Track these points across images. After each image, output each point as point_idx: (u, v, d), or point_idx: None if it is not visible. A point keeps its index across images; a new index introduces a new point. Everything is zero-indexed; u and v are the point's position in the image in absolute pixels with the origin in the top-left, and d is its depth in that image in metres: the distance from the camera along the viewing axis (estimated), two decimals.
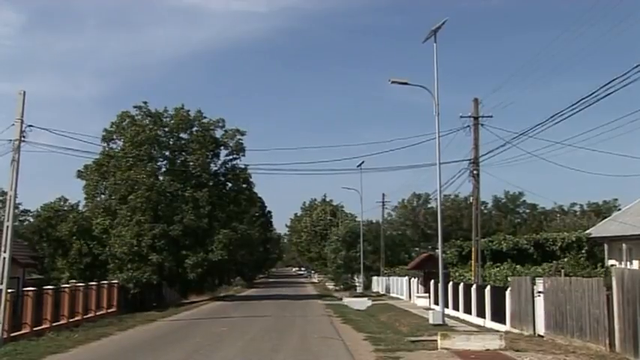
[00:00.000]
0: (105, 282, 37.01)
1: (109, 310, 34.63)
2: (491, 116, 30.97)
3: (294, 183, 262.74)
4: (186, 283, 49.46)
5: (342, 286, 64.97)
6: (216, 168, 52.03)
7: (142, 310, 38.93)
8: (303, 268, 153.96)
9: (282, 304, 44.86)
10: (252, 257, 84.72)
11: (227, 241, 47.83)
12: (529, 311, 20.56)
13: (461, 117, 31.49)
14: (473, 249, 32.26)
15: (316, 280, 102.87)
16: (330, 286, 73.46)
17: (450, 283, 31.65)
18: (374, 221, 74.11)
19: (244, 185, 52.99)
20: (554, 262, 33.30)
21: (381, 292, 56.49)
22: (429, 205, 73.86)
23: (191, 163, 49.37)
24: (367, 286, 62.10)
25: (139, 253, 45.51)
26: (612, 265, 29.52)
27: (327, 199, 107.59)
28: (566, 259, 32.74)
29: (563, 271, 26.80)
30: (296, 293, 61.90)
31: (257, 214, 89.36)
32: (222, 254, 47.37)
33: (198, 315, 35.28)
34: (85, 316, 30.20)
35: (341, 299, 48.37)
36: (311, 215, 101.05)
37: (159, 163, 50.43)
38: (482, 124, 31.21)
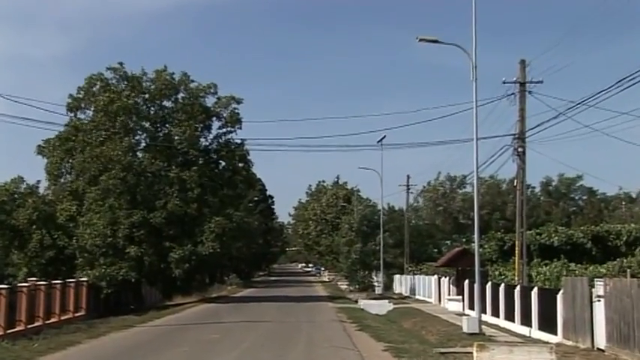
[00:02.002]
0: (72, 280, 37.23)
1: (77, 314, 34.95)
2: (541, 81, 30.95)
3: (301, 162, 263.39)
4: (170, 281, 49.62)
5: (357, 286, 65.39)
6: (206, 143, 52.45)
7: (116, 313, 39.04)
8: (310, 265, 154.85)
9: (286, 307, 45.15)
10: (250, 251, 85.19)
11: (220, 231, 47.94)
12: (586, 320, 20.46)
13: (504, 83, 31.47)
14: (517, 243, 32.27)
15: (327, 279, 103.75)
16: (343, 285, 73.98)
17: (489, 284, 31.67)
18: (396, 208, 75.23)
19: (241, 164, 53.31)
20: (618, 260, 33.21)
21: (405, 294, 56.99)
22: (464, 190, 74.01)
23: (176, 138, 49.65)
24: (388, 286, 62.62)
25: (114, 246, 45.73)
26: None
27: (341, 182, 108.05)
28: (633, 257, 32.61)
29: (629, 271, 26.69)
30: (302, 294, 62.42)
31: (256, 199, 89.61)
32: (213, 247, 47.53)
33: (184, 319, 35.53)
34: (47, 322, 30.38)
35: (356, 302, 48.75)
36: (320, 201, 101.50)
37: (137, 137, 50.68)
38: (529, 92, 31.19)
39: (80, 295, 36.55)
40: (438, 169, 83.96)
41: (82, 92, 49.16)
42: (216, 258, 51.20)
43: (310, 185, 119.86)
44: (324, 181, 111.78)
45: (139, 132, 50.70)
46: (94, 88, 49.13)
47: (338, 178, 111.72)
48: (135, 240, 46.47)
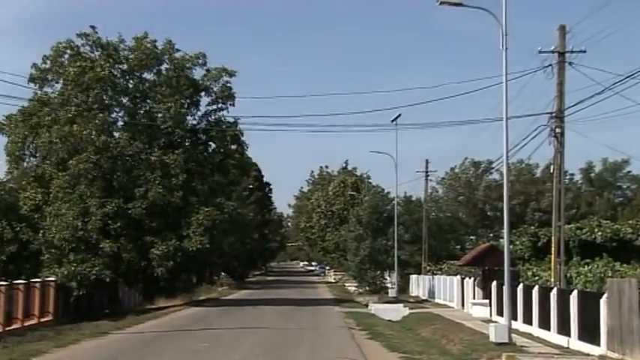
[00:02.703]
0: (37, 280, 37.20)
1: (43, 320, 34.97)
2: (583, 51, 30.85)
3: (304, 145, 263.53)
4: (151, 281, 49.74)
5: (367, 288, 65.68)
6: (194, 122, 52.65)
7: (89, 318, 39.05)
8: (313, 263, 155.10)
9: (285, 311, 45.33)
10: (244, 247, 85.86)
11: (209, 224, 48.05)
12: (635, 328, 20.37)
13: (540, 52, 31.39)
14: (553, 238, 32.24)
15: (332, 279, 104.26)
16: (352, 287, 74.45)
17: (520, 286, 31.56)
18: (413, 198, 75.03)
19: (233, 146, 53.51)
20: None
21: (423, 297, 57.19)
22: (491, 177, 73.86)
23: (159, 115, 49.70)
24: (403, 288, 62.70)
25: (85, 240, 45.75)
26: None
27: (349, 168, 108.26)
28: None
29: None
30: (304, 297, 62.48)
31: (251, 187, 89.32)
32: (202, 242, 47.55)
33: (168, 325, 35.63)
34: (7, 328, 30.36)
35: (366, 306, 49.12)
36: (325, 189, 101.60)
37: (113, 115, 50.79)
38: (570, 63, 31.12)
39: (47, 298, 36.55)
40: (462, 154, 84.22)
41: (48, 62, 48.88)
42: (204, 255, 51.30)
43: (312, 172, 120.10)
44: (327, 167, 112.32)
45: (116, 108, 50.72)
46: (63, 58, 48.97)
47: (346, 163, 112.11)
48: (110, 233, 46.42)
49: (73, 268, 44.33)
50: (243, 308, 48.75)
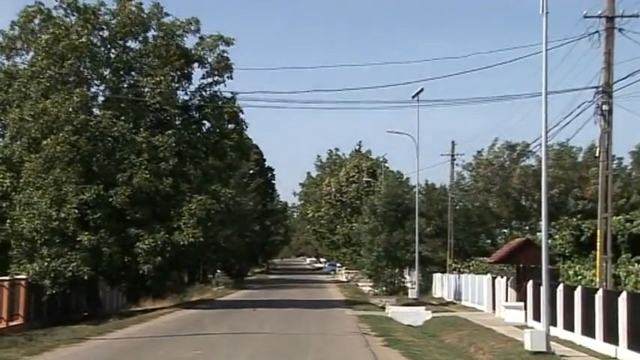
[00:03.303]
0: (5, 278, 37.47)
1: (12, 323, 35.20)
2: (636, 15, 30.50)
3: (311, 125, 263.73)
4: (137, 280, 49.80)
5: (384, 289, 65.90)
6: (186, 97, 52.81)
7: (65, 322, 39.09)
8: (322, 259, 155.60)
9: (290, 314, 45.62)
10: (243, 241, 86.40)
11: (203, 215, 48.06)
12: None
13: (585, 17, 31.14)
14: (598, 232, 32.17)
15: (344, 278, 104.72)
16: (366, 287, 74.76)
17: (560, 287, 31.67)
18: (437, 186, 75.97)
19: (231, 125, 53.83)
20: None
21: (447, 299, 57.72)
22: (527, 162, 74.02)
23: (146, 90, 49.62)
24: (425, 288, 62.93)
25: (60, 232, 45.51)
26: None
27: (363, 150, 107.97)
28: None
29: None
30: (311, 297, 62.69)
31: (252, 173, 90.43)
32: (194, 235, 47.54)
33: (155, 331, 35.64)
34: None
35: (383, 308, 49.62)
36: (336, 175, 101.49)
37: (93, 89, 50.72)
38: (619, 29, 30.85)
39: (16, 298, 36.66)
40: (494, 135, 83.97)
41: (16, 28, 48.98)
42: (197, 250, 51.33)
43: (319, 156, 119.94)
44: (337, 150, 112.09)
45: (96, 82, 50.68)
46: (33, 23, 49.02)
47: (360, 145, 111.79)
48: (89, 225, 46.45)
49: (46, 264, 44.13)
50: (241, 311, 48.70)
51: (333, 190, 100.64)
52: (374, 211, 66.86)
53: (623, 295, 25.33)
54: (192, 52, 51.49)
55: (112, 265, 47.47)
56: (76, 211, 45.69)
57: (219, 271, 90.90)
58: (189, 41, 51.60)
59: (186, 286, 65.46)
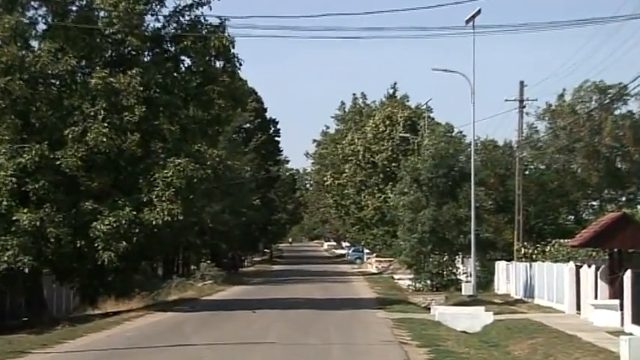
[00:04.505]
0: None
1: None
2: None
3: (327, 62, 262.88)
4: (94, 273, 49.78)
5: (429, 282, 66.41)
6: (158, 25, 52.72)
7: None
8: (345, 244, 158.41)
9: (302, 318, 45.63)
10: (237, 219, 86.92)
11: (182, 184, 47.76)
12: None
13: None
14: None
15: (374, 269, 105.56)
16: (405, 280, 75.61)
17: None
18: (499, 143, 76.66)
19: (220, 64, 53.46)
20: None
21: (515, 296, 58.02)
22: (624, 110, 74.10)
23: (102, 15, 49.70)
24: (485, 282, 63.98)
25: None
26: None
27: (399, 96, 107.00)
28: None
29: None
30: (331, 295, 63.19)
31: (249, 128, 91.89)
32: (171, 212, 47.28)
33: (118, 342, 35.48)
34: None
35: (428, 309, 49.95)
36: (364, 130, 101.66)
37: (30, 14, 50.15)
38: None
39: None
40: (578, 75, 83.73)
41: None
42: (176, 232, 51.99)
43: (343, 104, 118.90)
44: (365, 96, 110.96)
45: (34, 3, 49.89)
46: None
47: (394, 88, 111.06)
48: (29, 198, 46.52)
49: None
50: (236, 314, 48.74)
51: (360, 149, 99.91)
52: (416, 178, 66.72)
53: None
54: None
55: (60, 253, 47.40)
56: (11, 180, 45.66)
57: (205, 260, 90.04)
58: None
59: (160, 281, 66.09)
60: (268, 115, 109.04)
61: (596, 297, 40.78)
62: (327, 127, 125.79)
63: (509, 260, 63.43)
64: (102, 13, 49.20)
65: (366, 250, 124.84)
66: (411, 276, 72.07)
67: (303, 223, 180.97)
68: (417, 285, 68.79)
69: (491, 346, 33.02)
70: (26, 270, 45.61)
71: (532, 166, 73.57)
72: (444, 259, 66.83)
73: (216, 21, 52.04)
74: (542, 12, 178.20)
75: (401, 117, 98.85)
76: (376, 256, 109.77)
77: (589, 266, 43.75)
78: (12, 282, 46.11)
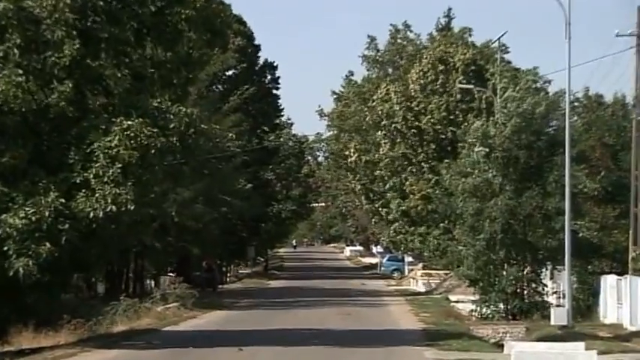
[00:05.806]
0: None
1: None
2: None
3: None
4: (3, 290, 42.85)
5: (501, 306, 58.35)
6: None
7: None
8: (378, 250, 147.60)
9: (311, 357, 41.18)
10: (216, 211, 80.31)
11: (133, 157, 40.81)
12: None
13: None
14: None
15: (421, 286, 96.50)
16: (467, 303, 67.65)
17: None
18: (607, 99, 74.23)
19: None
20: None
21: (630, 327, 51.90)
22: None
23: None
24: (584, 306, 57.85)
25: None
26: None
27: (457, 30, 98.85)
28: None
29: None
30: (355, 325, 55.82)
31: (231, 75, 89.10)
32: (117, 199, 40.32)
33: None
34: None
35: (500, 346, 44.89)
36: (405, 78, 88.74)
37: None
38: None
39: None
40: None
41: None
42: (124, 229, 45.54)
43: (374, 39, 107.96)
44: (408, 27, 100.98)
45: None
46: None
47: (448, 16, 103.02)
48: None
49: None
50: (213, 352, 42.41)
51: (398, 107, 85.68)
52: (489, 149, 57.32)
53: None
54: None
55: None
56: None
57: (168, 272, 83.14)
58: None
59: (102, 303, 59.82)
60: (262, 57, 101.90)
61: None
62: (351, 74, 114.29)
63: (620, 273, 55.86)
64: None
65: (409, 259, 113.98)
66: (476, 297, 62.44)
67: (313, 218, 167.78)
68: (485, 310, 59.35)
69: None
70: None
71: None
72: (525, 271, 57.79)
73: None
74: None
75: (460, 59, 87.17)
76: (423, 268, 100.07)
77: None
78: None
